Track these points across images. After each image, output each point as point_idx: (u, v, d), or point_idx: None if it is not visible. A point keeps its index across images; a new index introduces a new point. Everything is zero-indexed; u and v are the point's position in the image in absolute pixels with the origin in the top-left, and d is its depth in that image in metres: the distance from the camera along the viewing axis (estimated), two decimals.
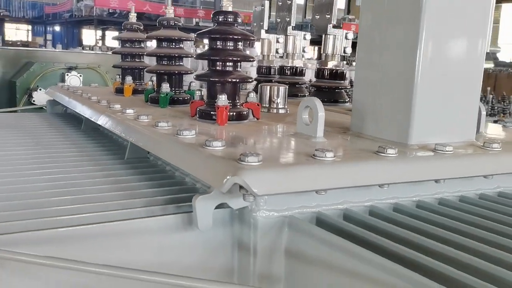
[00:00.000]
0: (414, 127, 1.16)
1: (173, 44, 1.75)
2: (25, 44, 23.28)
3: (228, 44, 1.38)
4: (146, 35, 1.95)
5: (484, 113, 1.41)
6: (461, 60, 1.19)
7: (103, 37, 26.38)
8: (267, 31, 2.43)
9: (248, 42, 1.40)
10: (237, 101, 1.44)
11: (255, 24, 2.48)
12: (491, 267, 0.80)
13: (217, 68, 1.39)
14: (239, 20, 1.40)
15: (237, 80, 1.41)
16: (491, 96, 10.55)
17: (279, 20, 2.34)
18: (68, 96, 2.10)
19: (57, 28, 30.80)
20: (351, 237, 0.94)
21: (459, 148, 1.16)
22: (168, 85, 1.71)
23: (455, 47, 1.18)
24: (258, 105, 1.49)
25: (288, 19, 2.28)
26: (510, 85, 14.16)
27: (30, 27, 31.70)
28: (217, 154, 0.99)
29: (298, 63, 2.32)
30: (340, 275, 0.89)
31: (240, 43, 1.40)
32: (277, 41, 2.43)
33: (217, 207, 0.99)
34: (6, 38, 29.49)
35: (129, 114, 1.48)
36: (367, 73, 1.28)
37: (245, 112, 1.44)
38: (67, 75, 4.22)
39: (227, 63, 1.39)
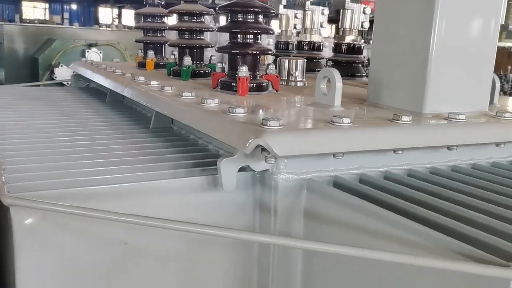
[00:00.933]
0: (428, 97, 1.20)
1: (194, 18, 1.80)
2: (42, 22, 23.40)
3: (249, 16, 1.43)
4: (167, 10, 2.00)
5: (498, 85, 1.44)
6: (475, 33, 1.23)
7: (119, 15, 26.43)
8: (285, 6, 2.46)
9: (268, 15, 1.44)
10: (257, 73, 1.49)
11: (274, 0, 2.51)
12: (498, 224, 0.85)
13: (238, 40, 1.45)
14: None
15: (257, 52, 1.46)
16: (511, 75, 10.42)
17: None
18: (92, 70, 2.17)
19: (74, 6, 30.88)
20: (367, 198, 0.99)
21: (472, 117, 1.21)
22: (190, 58, 1.76)
23: (469, 20, 1.22)
24: (277, 77, 1.54)
25: None
26: None
27: (47, 5, 31.79)
28: (240, 120, 1.05)
29: (316, 38, 2.36)
30: (356, 232, 0.95)
31: (260, 16, 1.45)
32: (295, 17, 2.46)
33: (240, 171, 1.05)
34: (24, 16, 29.71)
35: (154, 86, 1.54)
36: (384, 46, 1.32)
37: (264, 84, 1.49)
38: (88, 51, 4.30)
39: (248, 36, 1.44)
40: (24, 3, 31.10)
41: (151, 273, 1.04)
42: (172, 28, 1.90)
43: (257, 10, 1.43)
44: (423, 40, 1.20)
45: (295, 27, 2.50)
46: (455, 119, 1.15)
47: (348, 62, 2.12)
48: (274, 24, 2.95)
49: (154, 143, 1.36)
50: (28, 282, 0.93)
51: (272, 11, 1.50)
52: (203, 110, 1.16)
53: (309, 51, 2.35)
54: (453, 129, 1.11)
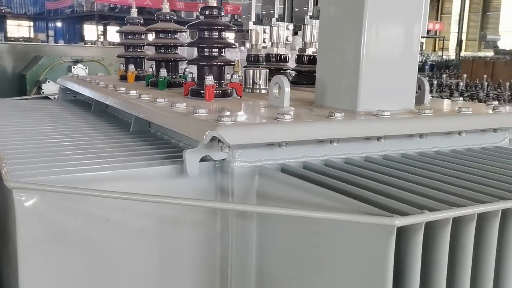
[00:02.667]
0: (360, 98, 1.45)
1: (169, 35, 2.04)
2: (27, 40, 23.49)
3: (213, 33, 1.67)
4: (145, 28, 2.23)
5: (427, 88, 1.69)
6: (399, 43, 1.48)
7: (104, 32, 26.63)
8: (254, 23, 2.71)
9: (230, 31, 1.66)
10: (223, 81, 1.73)
11: (243, 16, 2.76)
12: (397, 192, 1.09)
13: (205, 54, 1.68)
14: (222, 12, 1.68)
15: (222, 63, 1.69)
16: (486, 83, 10.77)
17: (264, 12, 2.61)
18: (78, 83, 2.39)
19: (59, 24, 31.05)
20: (309, 180, 1.22)
21: (398, 113, 1.45)
22: (166, 70, 1.99)
23: (394, 33, 1.47)
24: (240, 84, 1.78)
25: (272, 11, 2.56)
26: (507, 73, 14.38)
27: (32, 23, 31.96)
28: (202, 118, 1.28)
29: (282, 51, 2.60)
30: (294, 204, 1.18)
31: (223, 33, 1.69)
32: (264, 32, 2.71)
33: (203, 161, 1.28)
34: (8, 34, 29.82)
35: (133, 94, 1.77)
36: (326, 56, 1.56)
37: (229, 91, 1.72)
38: (74, 67, 4.51)
39: (213, 50, 1.67)
40: (8, 21, 31.20)
41: (129, 246, 1.26)
42: (149, 44, 2.13)
43: (220, 27, 1.67)
44: (355, 50, 1.44)
45: (264, 41, 2.74)
46: (382, 115, 1.39)
47: (309, 71, 2.36)
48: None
49: (133, 142, 1.58)
50: (28, 256, 1.14)
51: (233, 28, 1.73)
52: (173, 112, 1.39)
53: (276, 63, 2.59)
54: (377, 122, 1.35)
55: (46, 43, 8.60)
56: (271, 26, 2.59)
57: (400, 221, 0.91)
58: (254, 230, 1.31)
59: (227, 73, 1.87)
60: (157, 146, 1.51)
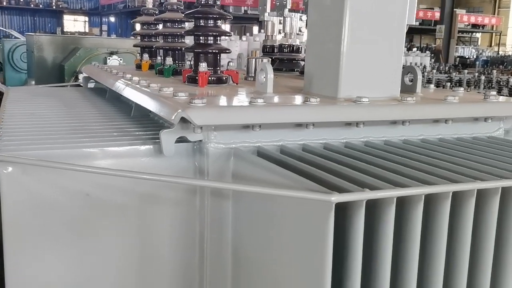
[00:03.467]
0: (341, 85, 1.48)
1: (176, 24, 2.12)
2: (81, 34, 24.34)
3: (209, 22, 1.73)
4: (154, 17, 2.32)
5: (419, 77, 1.69)
6: (382, 34, 1.49)
7: None
8: (269, 14, 2.75)
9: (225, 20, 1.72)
10: (218, 68, 1.79)
11: (260, 7, 2.81)
12: (353, 173, 1.12)
13: (200, 42, 1.75)
14: (218, 2, 1.74)
15: (216, 51, 1.75)
16: None
17: (278, 3, 2.65)
18: (96, 71, 2.51)
19: (112, 19, 31.95)
20: (280, 162, 1.27)
21: (379, 100, 1.47)
22: (171, 59, 2.07)
23: (377, 22, 1.48)
24: (236, 72, 1.83)
25: (285, 2, 2.59)
26: None
27: (87, 18, 33.07)
28: (179, 101, 1.34)
29: (294, 41, 2.64)
30: (263, 184, 1.23)
31: (219, 21, 1.75)
32: (280, 23, 2.75)
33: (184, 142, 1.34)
34: (65, 29, 31.01)
35: (134, 80, 1.86)
36: (313, 47, 1.60)
37: (224, 78, 1.78)
38: (109, 59, 4.69)
39: (208, 38, 1.74)
40: (65, 17, 32.40)
41: (109, 221, 1.34)
42: (158, 34, 2.21)
43: (215, 16, 1.73)
44: (336, 38, 1.47)
45: (279, 32, 2.79)
46: (359, 101, 1.41)
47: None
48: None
49: (129, 125, 1.66)
50: (12, 226, 1.25)
51: (228, 17, 1.79)
52: (156, 96, 1.46)
53: (288, 53, 2.63)
54: (351, 108, 1.38)
55: (84, 35, 8.92)
56: (284, 17, 2.63)
57: (337, 198, 0.95)
58: (230, 209, 1.37)
59: (230, 61, 1.93)
60: (150, 128, 1.59)
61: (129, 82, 1.83)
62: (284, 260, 1.14)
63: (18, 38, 9.34)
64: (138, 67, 2.46)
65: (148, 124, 1.67)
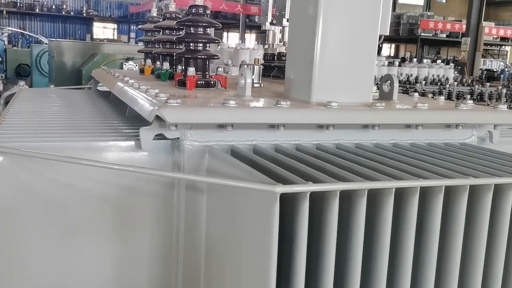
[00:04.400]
0: (314, 90, 1.57)
1: (173, 31, 2.24)
2: (110, 41, 24.85)
3: (198, 30, 1.85)
4: (153, 25, 2.45)
5: (396, 84, 1.77)
6: (354, 43, 1.59)
7: None
8: (271, 23, 2.86)
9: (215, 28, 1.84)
10: (207, 73, 1.90)
11: (262, 17, 2.92)
12: (307, 169, 1.21)
13: (190, 48, 1.86)
14: (208, 11, 1.85)
15: (205, 57, 1.86)
16: None
17: (277, 13, 2.76)
18: (103, 75, 2.65)
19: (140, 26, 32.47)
20: (247, 160, 1.36)
21: (349, 105, 1.56)
22: (168, 64, 2.19)
23: (348, 34, 1.57)
24: (225, 77, 1.94)
25: (284, 12, 2.70)
26: None
27: (115, 25, 33.78)
28: (157, 101, 1.45)
29: None
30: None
31: (208, 29, 1.86)
32: (280, 32, 2.86)
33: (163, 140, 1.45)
34: (94, 36, 31.76)
35: (129, 82, 1.98)
36: (292, 54, 1.70)
37: (212, 82, 1.89)
38: (125, 64, 4.86)
39: (197, 44, 1.85)
40: (95, 24, 33.16)
41: (91, 211, 1.45)
42: (156, 41, 2.34)
43: (204, 24, 1.84)
44: (310, 46, 1.56)
45: (280, 41, 2.89)
46: (329, 105, 1.50)
47: None
48: None
49: (121, 124, 1.78)
50: (2, 205, 1.37)
51: (217, 25, 1.90)
52: (140, 96, 1.58)
53: None
54: (322, 112, 1.47)
55: (102, 42, 9.19)
56: (282, 27, 2.74)
57: (281, 189, 1.04)
58: (204, 202, 1.47)
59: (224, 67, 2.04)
60: (139, 127, 1.70)
61: (124, 84, 1.95)
62: (243, 247, 1.23)
63: (47, 44, 9.66)
64: (142, 71, 2.59)
65: (139, 124, 1.77)
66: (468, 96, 11.36)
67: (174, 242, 1.52)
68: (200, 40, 1.84)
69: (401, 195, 1.18)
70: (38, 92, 2.72)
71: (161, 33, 2.29)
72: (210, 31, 1.88)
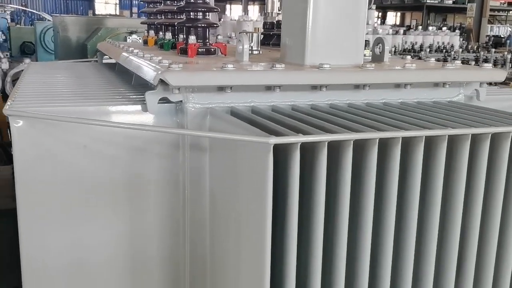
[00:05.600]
0: (307, 54, 1.67)
1: (175, 2, 2.33)
2: (112, 16, 24.70)
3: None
4: None
5: (387, 47, 1.87)
6: (345, 8, 1.68)
7: None
8: None
9: None
10: (207, 41, 2.00)
11: None
12: (294, 122, 1.32)
13: (190, 17, 1.96)
14: None
15: (205, 25, 1.96)
16: None
17: None
18: (109, 47, 2.75)
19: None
20: (247, 119, 1.47)
21: (340, 67, 1.66)
22: (171, 33, 2.29)
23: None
24: (225, 44, 2.04)
25: None
26: None
27: (117, 1, 33.54)
28: (160, 66, 1.56)
29: None
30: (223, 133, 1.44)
31: None
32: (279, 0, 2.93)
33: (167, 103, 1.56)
34: (96, 12, 31.60)
35: (134, 52, 2.08)
36: (286, 20, 1.80)
37: (212, 49, 1.99)
38: (129, 38, 4.94)
39: (197, 13, 1.95)
40: (96, 0, 32.94)
41: (103, 170, 1.57)
42: (158, 11, 2.43)
43: None
44: (303, 14, 1.66)
45: (279, 10, 2.97)
46: (322, 67, 1.60)
47: None
48: None
49: (127, 91, 1.89)
50: (23, 166, 1.50)
51: None
52: (147, 62, 1.69)
53: None
54: (315, 73, 1.57)
55: (106, 16, 9.24)
56: None
57: (274, 140, 1.15)
58: (207, 160, 1.59)
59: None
60: (144, 93, 1.82)
61: (129, 54, 2.06)
62: (243, 197, 1.36)
63: (50, 21, 9.69)
64: (145, 43, 2.68)
65: (144, 91, 1.88)
66: (473, 63, 11.38)
67: (181, 197, 1.65)
68: (200, 9, 1.94)
69: (385, 146, 1.29)
70: (47, 65, 2.83)
71: (162, 4, 2.38)
72: (210, 0, 1.97)
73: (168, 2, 2.34)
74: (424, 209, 1.38)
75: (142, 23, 2.73)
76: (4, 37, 12.23)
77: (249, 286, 1.34)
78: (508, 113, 1.58)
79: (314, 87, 1.65)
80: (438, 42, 13.58)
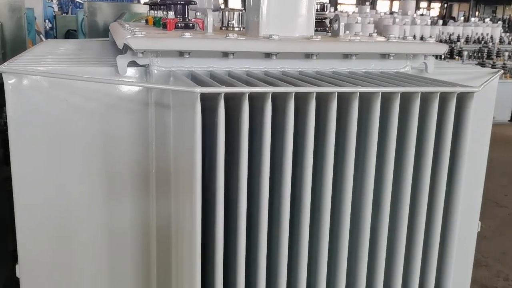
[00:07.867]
0: (262, 26, 1.90)
1: None
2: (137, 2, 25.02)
3: None
4: None
5: (342, 23, 2.07)
6: None
7: None
8: None
9: None
10: (186, 17, 2.25)
11: None
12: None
13: None
14: None
15: (184, 2, 2.22)
16: None
17: None
18: (115, 27, 3.05)
19: None
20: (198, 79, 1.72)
21: (290, 37, 1.88)
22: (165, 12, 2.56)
23: None
24: (203, 20, 2.29)
25: None
26: None
27: None
28: (131, 35, 1.83)
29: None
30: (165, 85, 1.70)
31: None
32: None
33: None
34: None
35: (126, 28, 2.36)
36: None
37: (191, 24, 2.25)
38: None
39: None
40: None
41: (82, 123, 1.85)
42: None
43: None
44: None
45: None
46: (271, 38, 1.83)
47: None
48: None
49: (113, 59, 2.17)
50: (16, 122, 1.79)
51: None
52: (122, 34, 1.96)
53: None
54: (260, 42, 1.80)
55: (131, 2, 9.64)
56: None
57: (200, 89, 1.40)
58: (171, 117, 1.85)
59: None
60: None
61: (122, 29, 2.34)
62: (186, 145, 1.61)
63: None
64: (146, 22, 2.97)
65: None
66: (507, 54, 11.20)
67: (149, 153, 1.91)
68: None
69: (320, 100, 1.51)
70: (59, 42, 3.16)
71: None
72: None
73: None
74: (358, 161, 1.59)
75: (145, 3, 3.02)
76: (50, 25, 12.87)
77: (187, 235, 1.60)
78: (438, 80, 1.77)
79: (268, 55, 1.88)
80: (476, 34, 13.39)
